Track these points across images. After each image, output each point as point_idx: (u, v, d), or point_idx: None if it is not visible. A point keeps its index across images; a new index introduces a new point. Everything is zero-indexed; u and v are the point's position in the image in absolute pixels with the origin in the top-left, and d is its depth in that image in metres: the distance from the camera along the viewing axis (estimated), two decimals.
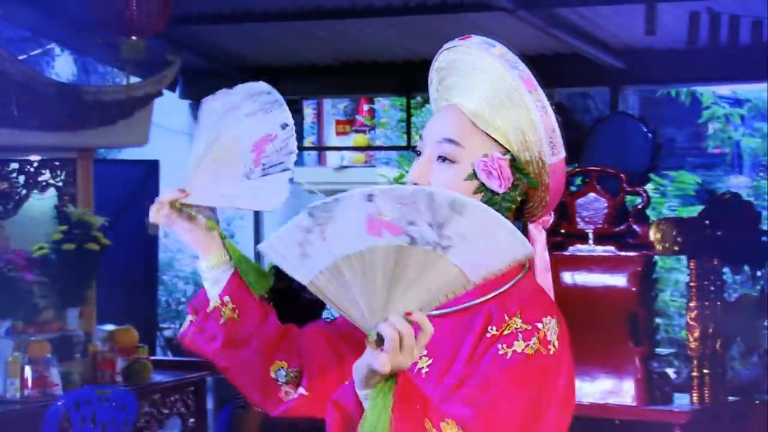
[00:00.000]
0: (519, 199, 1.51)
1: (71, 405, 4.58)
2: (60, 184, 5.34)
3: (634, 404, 4.36)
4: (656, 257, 4.62)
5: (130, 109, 5.33)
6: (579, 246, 4.52)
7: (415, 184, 1.48)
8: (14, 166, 5.19)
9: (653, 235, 4.38)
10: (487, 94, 1.50)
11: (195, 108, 7.82)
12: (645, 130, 5.17)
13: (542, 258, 1.55)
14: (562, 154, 1.51)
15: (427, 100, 11.15)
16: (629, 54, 6.35)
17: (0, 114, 4.76)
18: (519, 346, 1.40)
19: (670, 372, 4.92)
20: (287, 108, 1.58)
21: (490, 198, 1.49)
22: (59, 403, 4.55)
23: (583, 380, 4.29)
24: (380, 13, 5.93)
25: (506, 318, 1.43)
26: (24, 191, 5.20)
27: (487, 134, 1.50)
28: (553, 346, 1.42)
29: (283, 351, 1.56)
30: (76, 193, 5.36)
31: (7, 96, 4.68)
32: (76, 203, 5.33)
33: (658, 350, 4.86)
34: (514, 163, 1.50)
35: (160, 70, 5.51)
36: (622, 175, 4.52)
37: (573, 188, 4.72)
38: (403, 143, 8.37)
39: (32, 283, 5.05)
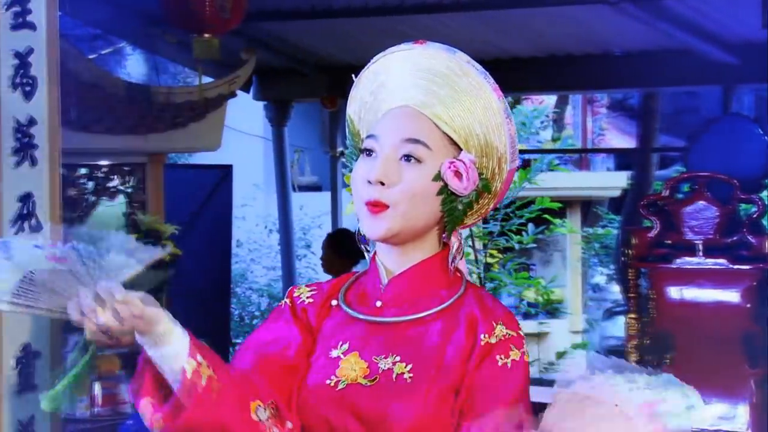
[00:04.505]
0: (473, 203, 1.63)
1: (142, 424, 4.67)
2: (130, 190, 5.45)
3: (749, 431, 4.30)
4: None
5: (202, 110, 5.43)
6: (687, 258, 4.47)
7: (381, 183, 1.58)
8: (83, 171, 5.32)
9: None
10: (448, 97, 1.60)
11: (270, 109, 7.96)
12: (761, 132, 5.10)
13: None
14: (517, 162, 1.65)
15: (517, 101, 11.13)
16: (744, 48, 6.26)
17: (69, 116, 4.88)
18: (515, 354, 1.58)
19: None
20: None
21: (450, 199, 1.60)
22: (130, 422, 4.65)
23: None
24: (468, 8, 5.93)
25: (494, 324, 1.59)
26: (93, 198, 5.33)
27: (448, 136, 1.61)
28: (527, 353, 1.61)
29: (251, 390, 1.59)
30: (147, 200, 5.47)
31: (76, 97, 4.79)
32: (147, 210, 5.44)
33: None
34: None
35: (233, 70, 5.60)
36: (734, 181, 4.47)
37: (680, 195, 4.67)
38: None
39: None
